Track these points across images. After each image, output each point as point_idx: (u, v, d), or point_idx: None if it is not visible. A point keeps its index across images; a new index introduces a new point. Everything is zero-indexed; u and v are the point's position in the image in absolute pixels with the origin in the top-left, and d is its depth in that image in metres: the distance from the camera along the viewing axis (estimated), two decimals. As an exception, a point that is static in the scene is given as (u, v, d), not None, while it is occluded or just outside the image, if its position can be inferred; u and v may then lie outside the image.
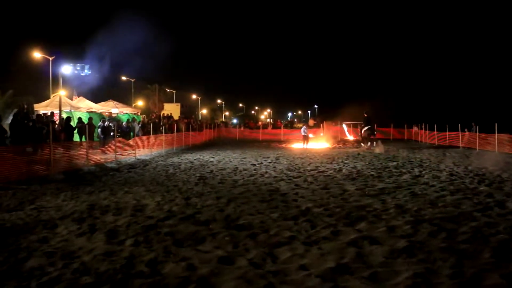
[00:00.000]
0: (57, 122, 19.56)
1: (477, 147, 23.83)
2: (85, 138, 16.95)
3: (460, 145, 26.08)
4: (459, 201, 8.51)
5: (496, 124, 21.93)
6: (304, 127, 29.15)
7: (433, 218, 7.07)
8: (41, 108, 25.38)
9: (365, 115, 27.59)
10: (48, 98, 30.10)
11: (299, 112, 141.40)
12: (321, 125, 40.07)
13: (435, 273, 4.61)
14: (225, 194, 9.61)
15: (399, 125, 39.26)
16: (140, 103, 53.99)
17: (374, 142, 24.15)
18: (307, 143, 28.19)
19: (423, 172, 13.38)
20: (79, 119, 21.21)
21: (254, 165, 16.02)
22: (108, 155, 17.45)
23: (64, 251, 5.53)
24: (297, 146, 29.25)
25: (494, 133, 22.34)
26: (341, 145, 29.57)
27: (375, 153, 21.37)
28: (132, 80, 51.00)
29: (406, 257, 5.11)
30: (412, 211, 7.64)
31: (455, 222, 6.79)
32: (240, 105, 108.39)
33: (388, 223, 6.75)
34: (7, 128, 15.66)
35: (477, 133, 25.12)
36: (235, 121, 76.91)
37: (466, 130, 27.73)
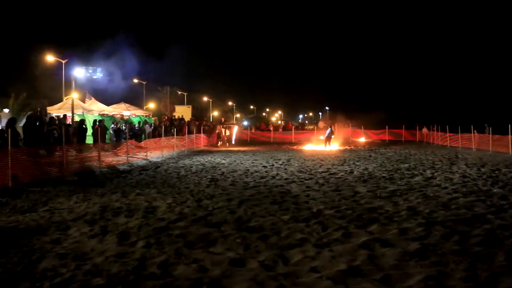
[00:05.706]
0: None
1: (490, 149, 23.57)
2: (99, 140, 17.06)
3: (473, 147, 25.81)
4: (472, 203, 8.43)
5: (509, 125, 21.68)
6: (330, 128, 28.92)
7: (446, 220, 7.01)
8: (54, 111, 25.63)
9: (223, 120, 47.29)
10: (61, 100, 30.41)
11: (310, 114, 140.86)
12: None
13: (448, 276, 4.57)
14: (236, 196, 9.60)
15: (410, 127, 38.98)
16: (151, 105, 54.22)
17: (219, 141, 33.67)
18: (329, 144, 28.00)
19: (435, 174, 13.27)
20: (94, 121, 21.34)
21: (265, 167, 16.01)
22: (120, 157, 17.57)
23: (77, 253, 5.57)
24: (308, 148, 29.15)
25: (508, 134, 22.08)
26: (352, 146, 29.43)
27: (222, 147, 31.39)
28: (144, 83, 51.28)
29: (419, 260, 5.07)
30: (424, 213, 7.58)
31: (468, 224, 6.72)
32: (251, 107, 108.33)
33: (400, 226, 6.71)
34: (20, 130, 15.83)
35: (490, 135, 24.84)
36: (246, 123, 76.87)
37: (475, 131, 27.33)
